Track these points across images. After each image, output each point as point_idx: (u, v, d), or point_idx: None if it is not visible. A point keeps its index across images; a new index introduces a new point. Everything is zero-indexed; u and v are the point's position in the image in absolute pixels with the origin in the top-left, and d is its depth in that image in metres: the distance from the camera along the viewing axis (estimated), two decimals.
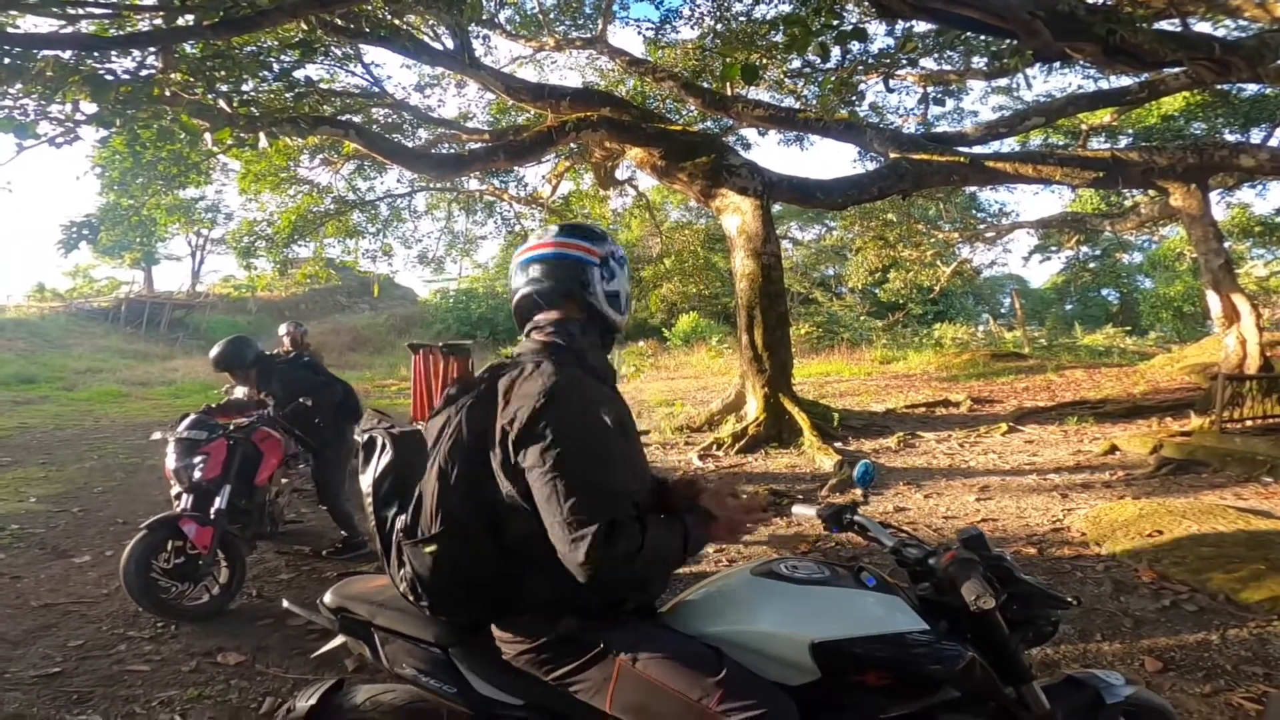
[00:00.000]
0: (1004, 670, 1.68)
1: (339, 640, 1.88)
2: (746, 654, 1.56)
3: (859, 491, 2.16)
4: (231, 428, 4.38)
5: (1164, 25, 7.09)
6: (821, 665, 1.55)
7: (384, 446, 1.72)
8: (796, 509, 2.20)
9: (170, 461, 4.14)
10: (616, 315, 1.78)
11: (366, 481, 1.73)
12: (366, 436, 1.78)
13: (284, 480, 4.90)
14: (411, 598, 1.63)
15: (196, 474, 4.05)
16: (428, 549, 1.56)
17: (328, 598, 1.84)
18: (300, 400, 4.72)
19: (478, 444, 1.58)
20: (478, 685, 1.64)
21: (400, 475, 1.69)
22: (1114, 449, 7.43)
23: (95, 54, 5.73)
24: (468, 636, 1.67)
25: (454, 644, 1.68)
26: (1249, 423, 7.36)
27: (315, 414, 4.79)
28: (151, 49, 6.17)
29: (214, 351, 4.76)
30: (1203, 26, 8.40)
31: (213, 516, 3.94)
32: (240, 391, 5.17)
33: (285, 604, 2.13)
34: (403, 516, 1.64)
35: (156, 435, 4.38)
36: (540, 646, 1.57)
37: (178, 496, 4.12)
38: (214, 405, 4.89)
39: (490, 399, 1.60)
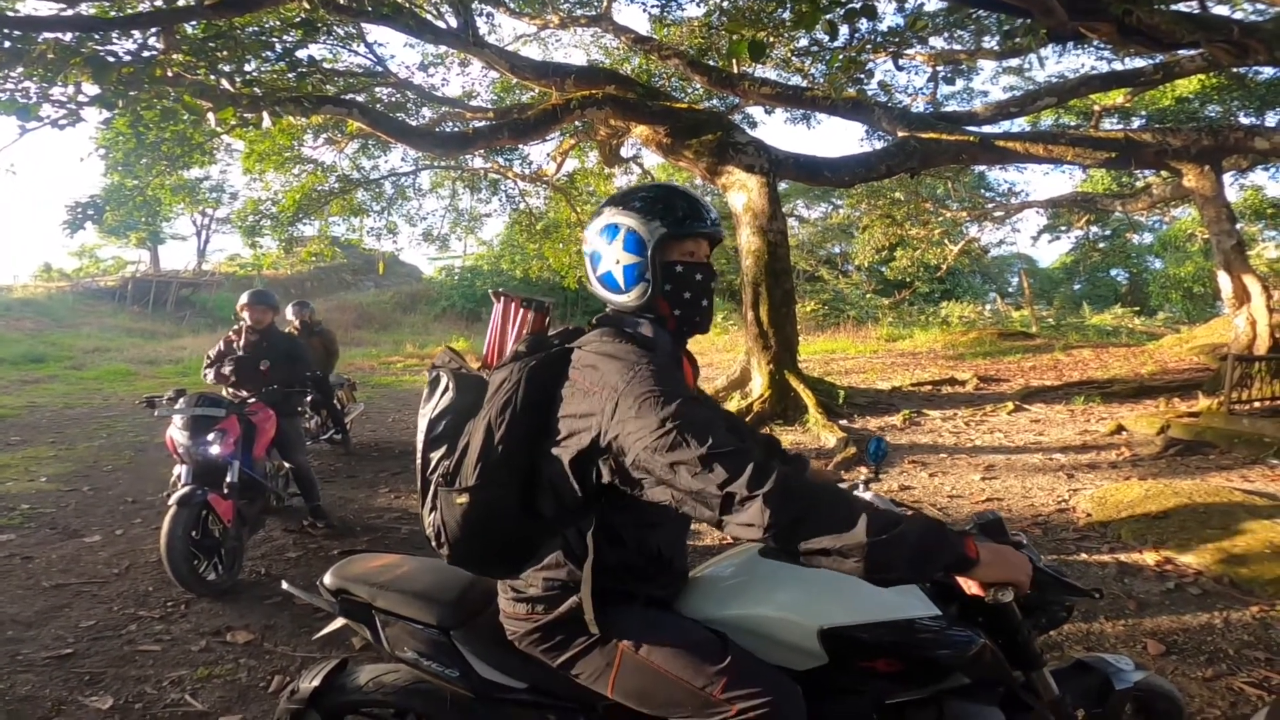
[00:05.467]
0: (1014, 655, 1.63)
1: (339, 623, 1.86)
2: (753, 638, 1.53)
3: (864, 469, 2.11)
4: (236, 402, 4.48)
5: (1181, 6, 6.97)
6: (830, 651, 1.52)
7: (447, 387, 1.67)
8: None
9: (181, 439, 4.11)
10: (613, 295, 1.62)
11: (423, 418, 1.68)
12: (435, 373, 1.72)
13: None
14: (435, 543, 1.61)
15: (214, 450, 4.06)
16: (459, 499, 1.52)
17: (327, 579, 1.82)
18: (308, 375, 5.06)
19: (531, 406, 1.51)
20: (480, 668, 1.63)
21: (456, 419, 1.64)
22: (1121, 429, 7.41)
23: (96, 36, 5.70)
24: (470, 619, 1.67)
25: (456, 627, 1.66)
26: (1258, 404, 7.30)
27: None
28: (153, 30, 6.14)
29: (247, 293, 5.01)
30: (1221, 9, 8.27)
31: (226, 491, 4.00)
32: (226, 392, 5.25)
33: (285, 586, 2.09)
34: (446, 461, 1.59)
35: (158, 413, 4.34)
36: (546, 626, 1.55)
37: (180, 474, 4.14)
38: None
39: (555, 366, 1.53)
